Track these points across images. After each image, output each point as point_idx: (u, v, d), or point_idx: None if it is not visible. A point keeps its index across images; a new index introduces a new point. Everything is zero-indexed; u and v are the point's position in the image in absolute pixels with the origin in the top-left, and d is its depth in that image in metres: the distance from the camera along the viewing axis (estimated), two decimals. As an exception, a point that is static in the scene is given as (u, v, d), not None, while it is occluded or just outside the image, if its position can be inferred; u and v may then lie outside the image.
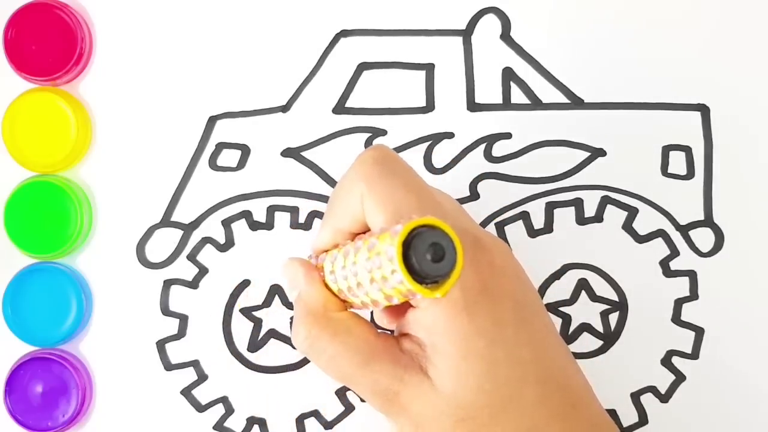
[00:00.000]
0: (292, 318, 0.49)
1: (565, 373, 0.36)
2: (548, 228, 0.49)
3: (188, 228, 0.49)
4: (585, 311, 0.49)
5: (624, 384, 0.49)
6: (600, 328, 0.49)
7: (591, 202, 0.49)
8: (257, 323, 0.49)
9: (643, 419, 0.49)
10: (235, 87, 0.49)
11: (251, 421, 0.49)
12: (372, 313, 0.41)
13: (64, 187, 0.48)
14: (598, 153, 0.49)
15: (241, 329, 0.49)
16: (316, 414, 0.49)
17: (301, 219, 0.49)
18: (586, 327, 0.49)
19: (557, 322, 0.49)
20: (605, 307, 0.49)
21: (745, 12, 0.49)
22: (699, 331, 0.49)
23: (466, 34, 0.49)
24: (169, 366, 0.49)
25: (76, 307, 0.48)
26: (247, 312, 0.49)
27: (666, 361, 0.49)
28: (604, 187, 0.49)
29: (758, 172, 0.49)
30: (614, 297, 0.49)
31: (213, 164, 0.49)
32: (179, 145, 0.49)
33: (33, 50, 0.48)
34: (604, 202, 0.49)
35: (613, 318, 0.49)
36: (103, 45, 0.49)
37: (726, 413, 0.49)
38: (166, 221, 0.49)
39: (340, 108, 0.49)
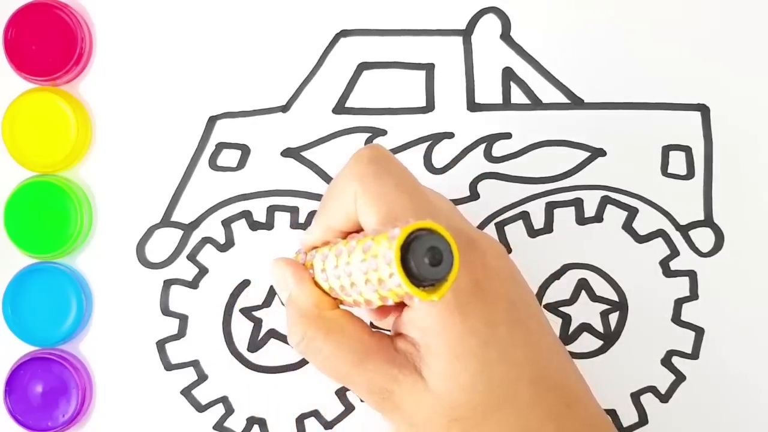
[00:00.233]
0: (292, 318, 0.49)
1: (560, 374, 0.36)
2: (548, 228, 0.49)
3: (188, 228, 0.49)
4: (585, 311, 0.49)
5: (624, 384, 0.49)
6: (600, 328, 0.49)
7: (591, 202, 0.49)
8: (257, 323, 0.49)
9: (643, 419, 0.49)
10: (235, 87, 0.49)
11: (251, 421, 0.49)
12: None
13: (64, 187, 0.48)
14: (598, 153, 0.49)
15: (241, 329, 0.49)
16: (316, 414, 0.49)
17: (301, 219, 0.49)
18: (586, 327, 0.49)
19: (557, 322, 0.49)
20: (605, 307, 0.49)
21: (745, 12, 0.49)
22: (699, 331, 0.49)
23: (466, 34, 0.49)
24: (169, 366, 0.49)
25: (76, 307, 0.48)
26: (247, 312, 0.49)
27: (666, 361, 0.49)
28: (604, 187, 0.49)
29: (758, 172, 0.49)
30: (614, 297, 0.49)
31: (213, 164, 0.49)
32: (179, 145, 0.49)
33: (33, 50, 0.48)
34: (604, 202, 0.49)
35: (613, 318, 0.49)
36: (103, 45, 0.49)
37: (726, 413, 0.49)
38: (166, 221, 0.49)
39: (340, 108, 0.49)
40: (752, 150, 0.49)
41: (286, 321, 0.37)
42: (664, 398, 0.49)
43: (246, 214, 0.49)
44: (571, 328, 0.49)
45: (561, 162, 0.49)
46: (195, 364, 0.49)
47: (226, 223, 0.49)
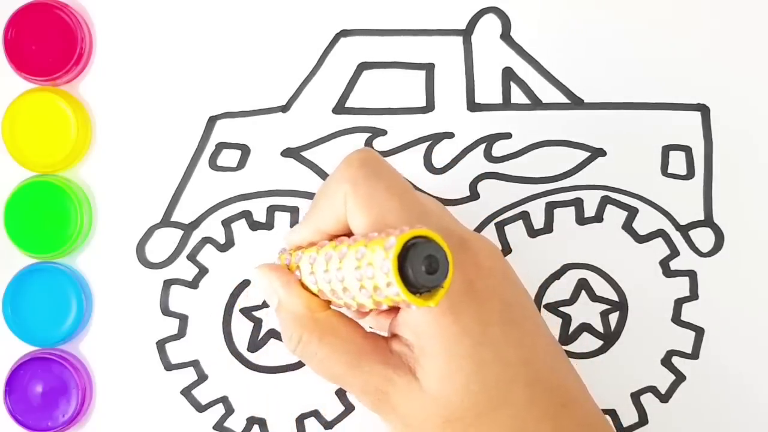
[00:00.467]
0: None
1: (556, 374, 0.36)
2: (548, 228, 0.49)
3: (188, 228, 0.49)
4: (585, 311, 0.49)
5: (624, 384, 0.49)
6: (600, 328, 0.49)
7: (591, 202, 0.49)
8: (257, 323, 0.49)
9: (643, 419, 0.49)
10: (235, 87, 0.49)
11: (251, 421, 0.49)
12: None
13: (64, 187, 0.48)
14: (598, 153, 0.49)
15: (241, 329, 0.49)
16: (316, 414, 0.49)
17: (301, 219, 0.49)
18: (586, 327, 0.49)
19: (557, 322, 0.49)
20: (605, 307, 0.49)
21: (745, 12, 0.49)
22: (699, 331, 0.49)
23: (466, 33, 0.49)
24: (169, 366, 0.49)
25: (76, 307, 0.48)
26: (247, 312, 0.49)
27: (666, 361, 0.49)
28: (604, 187, 0.49)
29: (758, 172, 0.49)
30: (614, 297, 0.49)
31: (213, 164, 0.49)
32: (179, 145, 0.49)
33: (33, 50, 0.48)
34: (604, 202, 0.49)
35: (613, 318, 0.49)
36: (103, 45, 0.49)
37: (726, 413, 0.49)
38: (166, 221, 0.49)
39: (340, 108, 0.49)
40: (752, 150, 0.49)
41: (280, 326, 0.37)
42: (664, 398, 0.49)
43: (246, 214, 0.49)
44: (571, 328, 0.49)
45: (561, 162, 0.49)
46: (195, 364, 0.49)
47: (226, 223, 0.49)
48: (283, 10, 0.49)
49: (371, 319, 0.38)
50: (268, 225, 0.49)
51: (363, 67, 0.49)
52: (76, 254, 0.49)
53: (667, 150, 0.49)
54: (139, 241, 0.49)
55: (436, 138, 0.49)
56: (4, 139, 0.48)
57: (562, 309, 0.49)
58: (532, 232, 0.49)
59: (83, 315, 0.48)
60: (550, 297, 0.49)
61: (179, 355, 0.49)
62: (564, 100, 0.49)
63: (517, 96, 0.49)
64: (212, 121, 0.49)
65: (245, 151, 0.49)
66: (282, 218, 0.49)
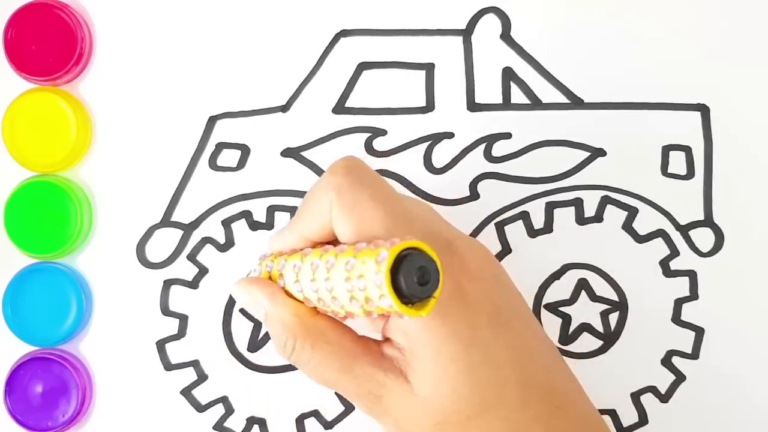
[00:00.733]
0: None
1: (548, 375, 0.36)
2: (548, 228, 0.49)
3: (188, 228, 0.49)
4: (585, 311, 0.49)
5: (624, 384, 0.49)
6: (600, 328, 0.49)
7: (591, 202, 0.49)
8: (257, 323, 0.49)
9: (643, 419, 0.49)
10: (235, 87, 0.49)
11: (251, 421, 0.49)
12: None
13: (64, 187, 0.48)
14: (598, 153, 0.49)
15: (241, 329, 0.49)
16: (316, 414, 0.49)
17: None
18: (586, 327, 0.49)
19: (557, 322, 0.49)
20: (605, 307, 0.49)
21: (745, 12, 0.49)
22: (699, 331, 0.49)
23: (466, 33, 0.49)
24: (169, 366, 0.49)
25: (76, 307, 0.48)
26: (247, 312, 0.49)
27: (666, 361, 0.49)
28: (604, 187, 0.49)
29: (758, 172, 0.49)
30: (614, 297, 0.49)
31: (213, 164, 0.49)
32: (179, 145, 0.49)
33: (33, 50, 0.48)
34: (604, 202, 0.49)
35: (613, 318, 0.49)
36: (103, 45, 0.49)
37: (726, 413, 0.49)
38: (166, 221, 0.49)
39: (340, 108, 0.49)
40: (752, 150, 0.49)
41: (271, 336, 0.38)
42: (664, 398, 0.49)
43: (246, 214, 0.49)
44: (571, 328, 0.49)
45: (561, 162, 0.49)
46: (195, 364, 0.49)
47: (226, 223, 0.49)
48: (283, 10, 0.49)
49: (366, 323, 0.38)
50: (268, 225, 0.49)
51: (363, 67, 0.49)
52: (76, 254, 0.49)
53: (667, 150, 0.49)
54: (139, 241, 0.49)
55: (436, 138, 0.49)
56: (4, 139, 0.48)
57: (562, 309, 0.49)
58: (532, 232, 0.49)
59: (83, 315, 0.48)
60: (550, 297, 0.49)
61: (179, 355, 0.49)
62: (564, 100, 0.49)
63: (517, 96, 0.49)
64: (212, 121, 0.49)
65: (245, 151, 0.49)
66: (282, 218, 0.49)
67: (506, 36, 0.49)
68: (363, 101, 0.49)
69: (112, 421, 0.49)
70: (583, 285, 0.49)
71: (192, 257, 0.49)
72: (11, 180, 0.49)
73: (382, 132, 0.49)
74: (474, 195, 0.49)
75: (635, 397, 0.49)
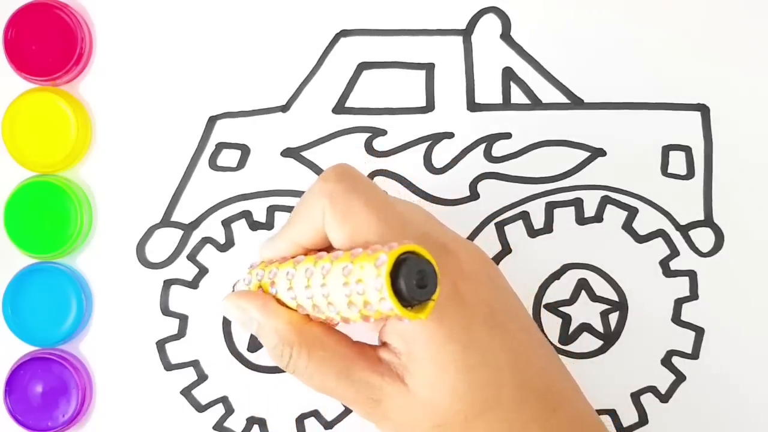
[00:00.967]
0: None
1: (546, 377, 0.36)
2: (548, 228, 0.49)
3: (188, 228, 0.49)
4: (585, 311, 0.49)
5: (624, 384, 0.49)
6: (600, 328, 0.49)
7: (591, 202, 0.49)
8: (257, 323, 0.49)
9: (643, 419, 0.49)
10: (235, 87, 0.49)
11: (251, 421, 0.49)
12: None
13: (64, 187, 0.48)
14: (598, 153, 0.49)
15: (241, 329, 0.49)
16: (316, 414, 0.49)
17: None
18: (586, 327, 0.49)
19: (557, 322, 0.49)
20: (605, 307, 0.49)
21: (745, 12, 0.49)
22: (699, 331, 0.49)
23: (466, 33, 0.49)
24: (169, 366, 0.49)
25: (76, 307, 0.48)
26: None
27: (666, 361, 0.49)
28: (604, 187, 0.49)
29: (758, 172, 0.49)
30: (614, 297, 0.49)
31: (213, 164, 0.49)
32: (179, 145, 0.49)
33: (33, 50, 0.48)
34: (604, 202, 0.49)
35: (613, 318, 0.49)
36: (103, 45, 0.49)
37: (726, 413, 0.49)
38: (166, 221, 0.49)
39: (340, 108, 0.49)
40: (752, 150, 0.49)
41: (266, 347, 0.37)
42: (664, 398, 0.49)
43: (246, 214, 0.49)
44: (571, 328, 0.49)
45: (561, 162, 0.49)
46: (195, 364, 0.49)
47: (226, 223, 0.49)
48: (283, 10, 0.49)
49: (361, 328, 0.38)
50: (268, 225, 0.49)
51: (363, 67, 0.49)
52: (76, 254, 0.49)
53: (667, 150, 0.49)
54: (139, 241, 0.49)
55: (436, 138, 0.49)
56: (4, 139, 0.48)
57: (562, 309, 0.49)
58: (532, 232, 0.49)
59: (83, 315, 0.48)
60: (550, 297, 0.49)
61: (179, 355, 0.49)
62: (564, 100, 0.49)
63: (517, 96, 0.49)
64: (212, 121, 0.49)
65: (245, 151, 0.49)
66: (282, 218, 0.49)
67: (506, 36, 0.49)
68: (363, 101, 0.49)
69: (112, 421, 0.49)
70: (583, 285, 0.49)
71: (192, 257, 0.49)
72: (11, 180, 0.49)
73: (382, 132, 0.49)
74: (474, 195, 0.49)
75: (635, 397, 0.49)
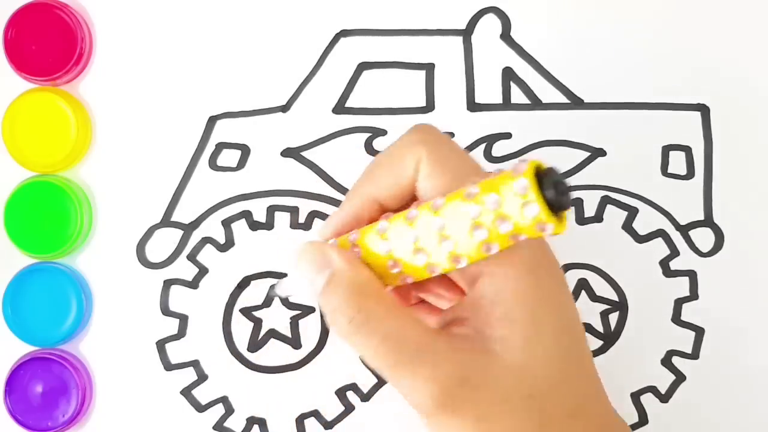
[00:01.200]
0: (293, 318, 0.49)
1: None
2: (548, 228, 0.49)
3: (188, 228, 0.49)
4: (585, 311, 0.49)
5: (624, 384, 0.49)
6: (600, 328, 0.49)
7: (591, 202, 0.49)
8: (257, 323, 0.49)
9: (643, 419, 0.49)
10: (235, 87, 0.49)
11: (251, 421, 0.49)
12: None
13: (64, 187, 0.48)
14: (598, 153, 0.49)
15: (241, 329, 0.49)
16: (316, 414, 0.49)
17: (301, 219, 0.49)
18: (586, 327, 0.49)
19: (557, 322, 0.49)
20: (605, 307, 0.49)
21: (745, 12, 0.49)
22: (699, 331, 0.49)
23: (466, 33, 0.49)
24: (169, 366, 0.49)
25: (76, 307, 0.48)
26: (247, 312, 0.49)
27: (666, 361, 0.49)
28: (604, 187, 0.49)
29: (758, 172, 0.49)
30: (614, 297, 0.49)
31: (213, 164, 0.49)
32: (179, 145, 0.49)
33: (33, 50, 0.48)
34: (604, 202, 0.49)
35: (613, 318, 0.49)
36: (103, 45, 0.49)
37: (726, 413, 0.49)
38: (166, 221, 0.49)
39: (340, 108, 0.49)
40: (752, 150, 0.49)
41: (328, 304, 0.33)
42: (664, 398, 0.49)
43: (246, 214, 0.49)
44: (571, 328, 0.49)
45: (561, 162, 0.49)
46: (195, 364, 0.49)
47: (226, 223, 0.49)
48: (283, 10, 0.49)
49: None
50: (268, 225, 0.49)
51: (363, 67, 0.49)
52: (76, 254, 0.49)
53: (667, 150, 0.49)
54: (139, 241, 0.49)
55: (436, 138, 0.49)
56: (4, 139, 0.48)
57: (562, 309, 0.49)
58: (532, 232, 0.49)
59: (83, 315, 0.48)
60: (550, 297, 0.49)
61: (179, 355, 0.49)
62: (564, 100, 0.49)
63: (517, 96, 0.49)
64: (212, 121, 0.49)
65: (245, 151, 0.49)
66: (282, 218, 0.49)
67: (506, 36, 0.49)
68: (363, 101, 0.49)
69: (112, 421, 0.49)
70: (583, 285, 0.49)
71: (192, 257, 0.49)
72: (11, 180, 0.49)
73: (382, 132, 0.49)
74: (474, 195, 0.49)
75: (635, 397, 0.49)
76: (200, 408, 0.49)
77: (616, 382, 0.49)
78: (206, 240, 0.49)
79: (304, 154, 0.49)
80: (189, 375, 0.49)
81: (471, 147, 0.49)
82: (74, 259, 0.49)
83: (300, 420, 0.49)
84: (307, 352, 0.49)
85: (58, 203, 0.48)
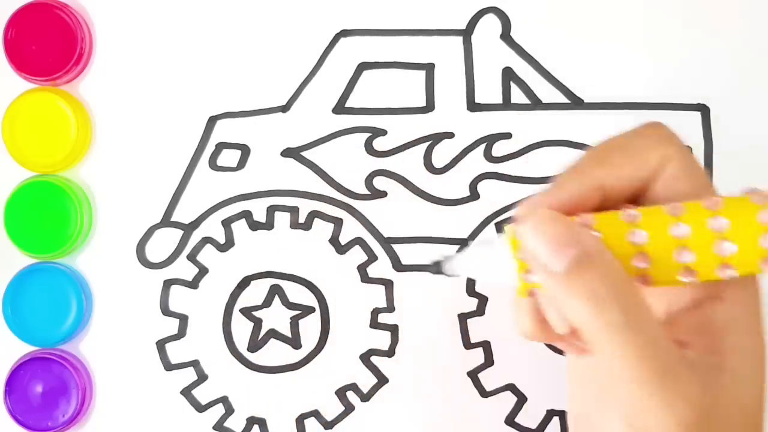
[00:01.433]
0: (293, 318, 0.49)
1: None
2: (548, 228, 0.49)
3: (188, 228, 0.49)
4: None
5: (624, 384, 0.49)
6: (600, 328, 0.49)
7: (591, 202, 0.49)
8: (257, 323, 0.49)
9: (643, 419, 0.49)
10: (235, 87, 0.49)
11: (251, 421, 0.49)
12: None
13: (64, 187, 0.48)
14: (598, 153, 0.49)
15: (241, 329, 0.49)
16: (316, 414, 0.49)
17: (301, 219, 0.49)
18: (586, 327, 0.49)
19: (557, 322, 0.49)
20: (605, 307, 0.49)
21: (745, 12, 0.49)
22: (699, 331, 0.49)
23: (466, 33, 0.49)
24: (169, 366, 0.49)
25: (76, 307, 0.48)
26: (247, 312, 0.49)
27: (666, 361, 0.49)
28: (604, 187, 0.49)
29: (758, 172, 0.49)
30: (614, 297, 0.49)
31: (213, 164, 0.49)
32: (179, 145, 0.49)
33: (33, 50, 0.48)
34: (604, 202, 0.49)
35: (613, 318, 0.49)
36: (103, 45, 0.49)
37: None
38: (166, 221, 0.49)
39: (340, 108, 0.49)
40: (752, 150, 0.49)
41: (580, 287, 0.29)
42: (664, 398, 0.49)
43: (246, 214, 0.49)
44: (571, 328, 0.49)
45: (561, 162, 0.49)
46: (195, 364, 0.49)
47: (226, 223, 0.49)
48: (283, 10, 0.49)
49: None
50: (268, 225, 0.49)
51: (363, 67, 0.49)
52: (76, 254, 0.49)
53: (667, 150, 0.49)
54: (139, 241, 0.49)
55: (436, 138, 0.49)
56: (4, 139, 0.48)
57: (562, 309, 0.49)
58: (532, 232, 0.49)
59: (83, 315, 0.48)
60: (550, 297, 0.49)
61: (179, 355, 0.49)
62: (564, 100, 0.49)
63: (517, 96, 0.49)
64: (212, 121, 0.49)
65: (245, 151, 0.49)
66: (282, 218, 0.49)
67: (506, 36, 0.49)
68: (363, 101, 0.49)
69: (112, 421, 0.49)
70: (583, 285, 0.49)
71: (192, 257, 0.49)
72: (11, 180, 0.49)
73: (382, 132, 0.49)
74: (474, 195, 0.49)
75: (635, 397, 0.49)
76: (200, 408, 0.49)
77: (616, 382, 0.49)
78: (206, 240, 0.49)
79: (304, 154, 0.49)
80: (189, 375, 0.49)
81: (471, 147, 0.49)
82: (74, 259, 0.49)
83: (300, 420, 0.49)
84: (307, 352, 0.49)
85: (58, 203, 0.48)
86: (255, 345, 0.49)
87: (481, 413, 0.48)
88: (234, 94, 0.49)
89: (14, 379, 0.48)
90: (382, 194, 0.49)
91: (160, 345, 0.49)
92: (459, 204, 0.49)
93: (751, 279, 0.31)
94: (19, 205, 0.48)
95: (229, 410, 0.49)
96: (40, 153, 0.48)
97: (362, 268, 0.49)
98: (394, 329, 0.48)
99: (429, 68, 0.49)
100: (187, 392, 0.49)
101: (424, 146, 0.49)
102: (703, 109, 0.49)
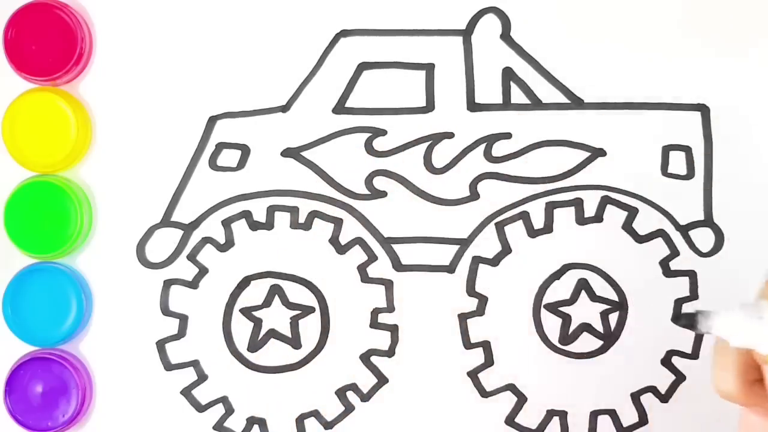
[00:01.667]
0: (293, 318, 0.49)
1: None
2: (548, 228, 0.49)
3: (188, 228, 0.49)
4: (585, 311, 0.49)
5: (624, 384, 0.49)
6: (600, 328, 0.49)
7: (591, 202, 0.49)
8: (257, 323, 0.49)
9: (643, 419, 0.49)
10: (235, 87, 0.49)
11: (251, 421, 0.49)
12: None
13: (64, 187, 0.48)
14: (598, 153, 0.49)
15: (241, 329, 0.49)
16: (316, 414, 0.49)
17: (301, 219, 0.49)
18: (586, 327, 0.49)
19: (557, 322, 0.49)
20: (605, 307, 0.49)
21: (745, 12, 0.49)
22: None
23: (466, 33, 0.49)
24: (169, 366, 0.49)
25: (76, 307, 0.48)
26: (247, 312, 0.49)
27: (666, 361, 0.49)
28: (604, 187, 0.49)
29: (758, 172, 0.49)
30: (614, 297, 0.49)
31: (213, 164, 0.49)
32: (179, 145, 0.49)
33: (33, 50, 0.48)
34: (604, 202, 0.49)
35: (613, 318, 0.49)
36: (103, 45, 0.49)
37: (726, 413, 0.48)
38: (166, 221, 0.49)
39: (340, 108, 0.49)
40: (752, 150, 0.49)
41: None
42: (664, 398, 0.49)
43: (246, 214, 0.49)
44: (571, 328, 0.49)
45: (561, 162, 0.49)
46: (195, 364, 0.49)
47: (226, 223, 0.49)
48: (283, 10, 0.49)
49: None
50: (268, 225, 0.49)
51: (363, 67, 0.49)
52: (76, 254, 0.49)
53: (667, 150, 0.49)
54: (139, 241, 0.49)
55: (436, 138, 0.49)
56: (4, 139, 0.48)
57: (562, 309, 0.49)
58: (532, 232, 0.49)
59: (83, 315, 0.48)
60: (550, 297, 0.49)
61: (179, 355, 0.49)
62: (564, 100, 0.49)
63: (517, 96, 0.49)
64: (212, 121, 0.49)
65: (245, 151, 0.49)
66: (282, 218, 0.49)
67: (506, 36, 0.49)
68: (363, 101, 0.49)
69: (112, 421, 0.49)
70: (583, 285, 0.49)
71: (192, 257, 0.49)
72: (11, 180, 0.49)
73: (382, 132, 0.49)
74: (474, 195, 0.49)
75: (635, 397, 0.49)
76: (200, 408, 0.49)
77: (616, 382, 0.49)
78: (206, 240, 0.49)
79: (304, 154, 0.49)
80: (189, 375, 0.49)
81: (471, 147, 0.49)
82: (74, 259, 0.49)
83: (300, 420, 0.49)
84: (307, 352, 0.49)
85: (58, 203, 0.48)
86: (255, 345, 0.49)
87: (481, 413, 0.48)
88: (234, 94, 0.49)
89: (14, 379, 0.48)
90: (382, 194, 0.49)
91: (160, 345, 0.49)
92: (459, 204, 0.49)
93: None
94: (19, 205, 0.48)
95: (229, 410, 0.49)
96: (40, 153, 0.48)
97: (362, 268, 0.49)
98: (394, 329, 0.48)
99: (429, 68, 0.49)
100: (187, 392, 0.49)
101: (424, 146, 0.49)
102: (703, 109, 0.49)
